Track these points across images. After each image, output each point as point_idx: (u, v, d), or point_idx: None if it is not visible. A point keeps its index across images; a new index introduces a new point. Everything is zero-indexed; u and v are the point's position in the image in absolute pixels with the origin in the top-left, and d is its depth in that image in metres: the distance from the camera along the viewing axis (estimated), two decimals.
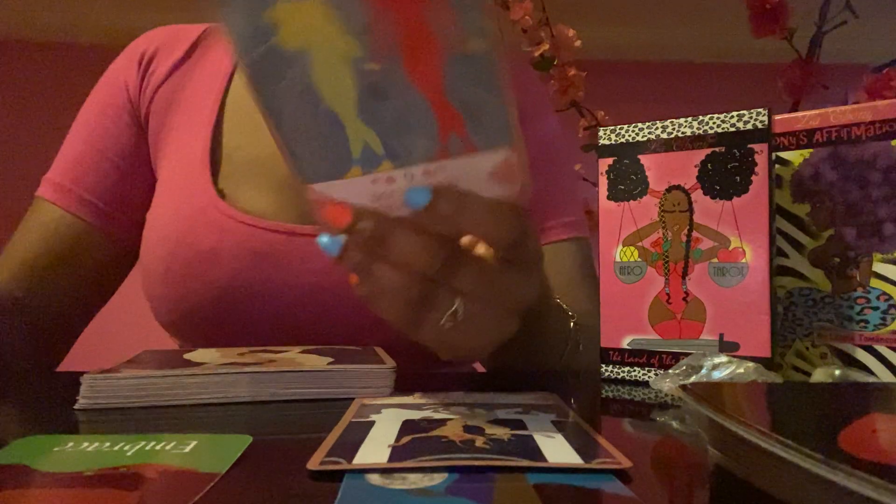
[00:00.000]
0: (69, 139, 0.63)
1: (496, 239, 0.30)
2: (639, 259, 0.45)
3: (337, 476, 0.23)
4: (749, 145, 0.42)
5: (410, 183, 0.30)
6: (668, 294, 0.44)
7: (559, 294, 0.55)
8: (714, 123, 0.43)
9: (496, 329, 0.33)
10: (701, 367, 0.39)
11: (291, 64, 0.28)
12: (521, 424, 0.30)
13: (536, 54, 1.05)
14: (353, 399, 0.36)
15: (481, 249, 0.32)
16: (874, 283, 0.41)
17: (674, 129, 0.45)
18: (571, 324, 0.52)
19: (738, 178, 0.42)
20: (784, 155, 0.45)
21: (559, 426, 0.30)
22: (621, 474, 0.23)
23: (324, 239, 0.31)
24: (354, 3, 0.27)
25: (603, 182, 0.47)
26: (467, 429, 0.29)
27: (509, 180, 0.30)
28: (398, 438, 0.27)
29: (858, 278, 0.42)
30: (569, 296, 0.57)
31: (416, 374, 0.44)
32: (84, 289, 0.60)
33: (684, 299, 0.44)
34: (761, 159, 0.42)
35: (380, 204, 0.31)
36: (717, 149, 0.43)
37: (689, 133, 0.44)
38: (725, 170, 0.43)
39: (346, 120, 0.29)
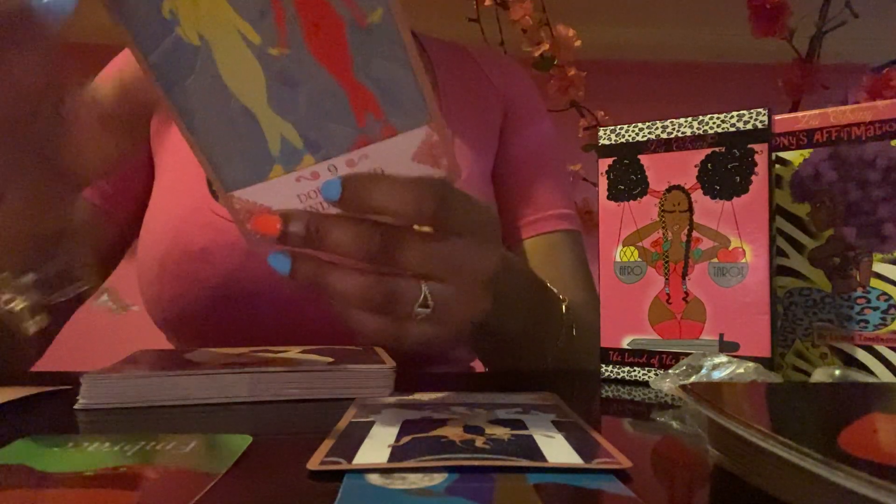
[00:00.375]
0: None
1: (417, 213, 0.29)
2: (639, 259, 0.45)
3: (337, 476, 0.23)
4: (749, 145, 0.42)
5: (335, 175, 0.29)
6: (668, 294, 0.44)
7: (551, 279, 0.56)
8: (714, 123, 0.43)
9: (471, 305, 0.32)
10: (701, 367, 0.39)
11: (196, 58, 0.27)
12: (521, 424, 0.30)
13: (536, 54, 1.05)
14: (353, 399, 0.36)
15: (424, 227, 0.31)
16: (874, 283, 0.41)
17: (674, 129, 0.45)
18: (563, 308, 0.52)
19: (738, 178, 0.42)
20: (784, 155, 0.45)
21: (559, 426, 0.30)
22: (621, 474, 0.23)
23: (274, 259, 0.30)
24: None
25: (603, 182, 0.47)
26: (467, 429, 0.29)
27: (433, 160, 0.29)
28: (398, 438, 0.27)
29: (858, 278, 0.42)
30: (560, 285, 0.57)
31: (416, 374, 0.44)
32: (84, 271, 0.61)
33: (684, 299, 0.44)
34: (761, 159, 0.42)
35: (307, 203, 0.30)
36: (717, 149, 0.43)
37: (689, 133, 0.44)
38: (725, 170, 0.43)
39: (260, 113, 0.28)
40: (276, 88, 0.27)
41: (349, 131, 0.28)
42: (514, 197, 0.68)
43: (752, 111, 0.42)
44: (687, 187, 0.44)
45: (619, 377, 0.46)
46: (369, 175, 0.29)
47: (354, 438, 0.27)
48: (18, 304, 0.35)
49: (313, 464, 0.24)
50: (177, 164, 0.59)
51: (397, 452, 0.25)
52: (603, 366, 0.46)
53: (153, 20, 0.26)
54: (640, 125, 0.46)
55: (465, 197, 0.31)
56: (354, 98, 0.28)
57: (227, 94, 0.27)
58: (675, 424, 0.33)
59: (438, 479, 0.23)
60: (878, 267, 0.41)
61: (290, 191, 0.30)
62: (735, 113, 0.43)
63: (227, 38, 0.27)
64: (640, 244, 0.45)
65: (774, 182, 0.43)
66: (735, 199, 0.42)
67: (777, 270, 0.45)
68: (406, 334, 0.32)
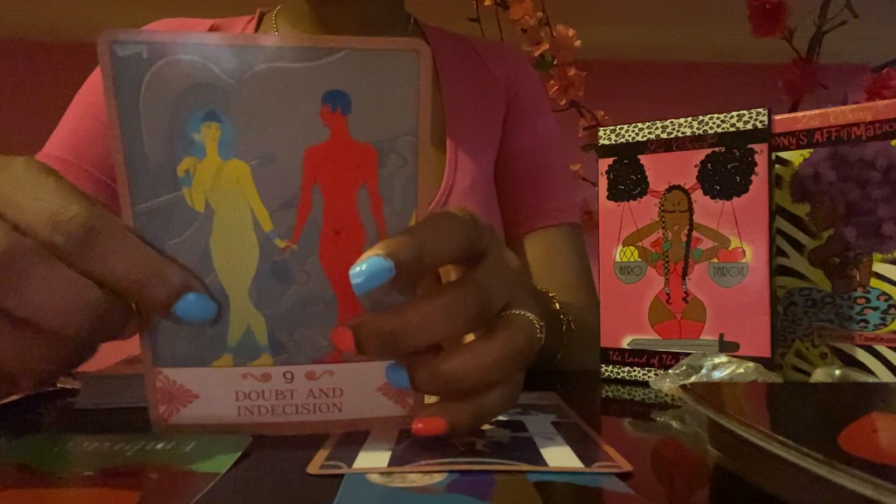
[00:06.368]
0: (68, 115, 0.62)
1: (452, 253, 0.26)
2: (639, 259, 0.45)
3: (337, 474, 0.23)
4: (749, 145, 0.42)
5: (288, 384, 0.27)
6: (668, 294, 0.44)
7: (551, 277, 0.55)
8: (714, 123, 0.43)
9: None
10: (701, 367, 0.39)
11: (192, 224, 0.25)
12: (521, 426, 0.30)
13: (536, 54, 1.05)
14: None
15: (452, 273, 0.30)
16: (874, 283, 0.41)
17: (674, 129, 0.45)
18: (556, 305, 0.52)
19: (738, 178, 0.42)
20: (784, 155, 0.45)
21: (559, 427, 0.30)
22: (622, 474, 0.23)
23: (392, 376, 0.26)
24: (284, 175, 0.25)
25: (603, 182, 0.47)
26: None
27: (400, 396, 0.28)
28: (398, 441, 0.27)
29: (858, 278, 0.42)
30: (561, 286, 0.57)
31: None
32: None
33: (684, 299, 0.44)
34: (761, 159, 0.42)
35: (243, 404, 0.27)
36: (717, 149, 0.43)
37: (689, 133, 0.44)
38: (725, 170, 0.43)
39: (235, 299, 0.26)
40: (264, 280, 0.26)
41: (324, 344, 0.27)
42: (516, 190, 0.68)
43: (752, 111, 0.42)
44: (687, 187, 0.44)
45: (619, 377, 0.46)
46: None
47: (354, 441, 0.27)
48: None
49: (313, 468, 0.24)
50: None
51: (397, 456, 0.25)
52: (603, 366, 0.46)
53: (162, 173, 0.24)
54: (640, 125, 0.46)
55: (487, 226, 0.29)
56: (345, 313, 0.26)
57: (209, 268, 0.25)
58: (675, 424, 0.33)
59: (438, 477, 0.23)
60: (878, 267, 0.41)
61: (229, 385, 0.27)
62: (735, 113, 0.43)
63: (235, 214, 0.25)
64: (640, 244, 0.45)
65: (774, 182, 0.43)
66: (735, 199, 0.42)
67: (777, 270, 0.45)
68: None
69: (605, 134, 0.47)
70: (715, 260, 0.43)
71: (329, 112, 0.25)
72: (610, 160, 0.47)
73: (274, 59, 0.25)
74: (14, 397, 0.36)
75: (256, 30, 0.67)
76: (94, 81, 0.64)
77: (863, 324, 0.42)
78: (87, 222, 0.23)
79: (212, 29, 0.65)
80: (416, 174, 0.26)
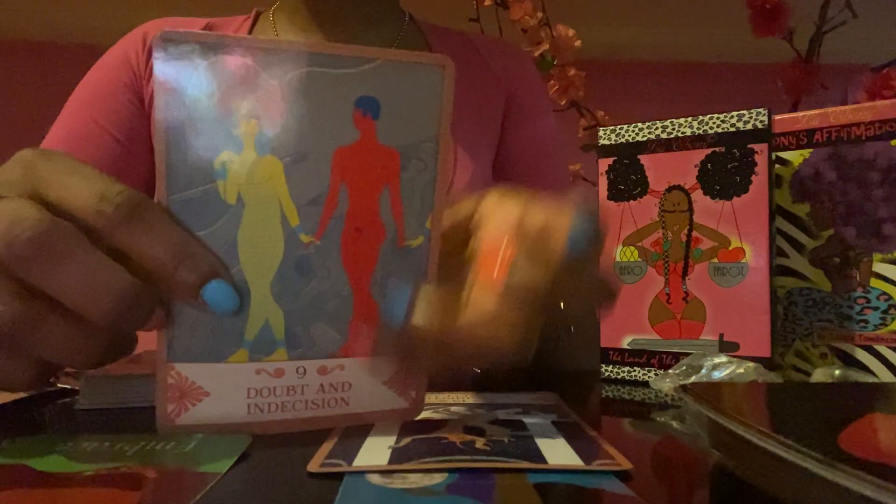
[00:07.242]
0: (62, 116, 0.62)
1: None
2: (639, 259, 0.45)
3: (337, 475, 0.23)
4: (749, 145, 0.42)
5: (300, 379, 0.28)
6: (668, 294, 0.44)
7: None
8: (714, 123, 0.43)
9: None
10: (701, 367, 0.39)
11: (222, 216, 0.26)
12: (521, 425, 0.30)
13: (536, 54, 1.05)
14: None
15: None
16: (874, 283, 0.41)
17: (674, 129, 0.45)
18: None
19: (738, 178, 0.42)
20: (784, 155, 0.45)
21: (559, 427, 0.30)
22: (621, 474, 0.23)
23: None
24: (314, 173, 0.26)
25: (603, 182, 0.47)
26: (467, 430, 0.29)
27: (403, 390, 0.29)
28: (398, 440, 0.27)
29: (858, 278, 0.42)
30: None
31: None
32: None
33: (684, 299, 0.44)
34: (761, 159, 0.42)
35: (254, 401, 0.27)
36: (717, 149, 0.43)
37: (689, 133, 0.44)
38: (725, 170, 0.43)
39: (256, 293, 0.26)
40: (287, 273, 0.27)
41: (337, 338, 0.28)
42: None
43: (752, 111, 0.42)
44: (687, 187, 0.44)
45: (619, 377, 0.46)
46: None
47: (355, 439, 0.27)
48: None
49: (314, 466, 0.24)
50: None
51: (397, 454, 0.25)
52: (603, 366, 0.46)
53: (199, 165, 0.25)
54: (640, 125, 0.46)
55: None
56: (359, 306, 0.28)
57: (234, 260, 0.26)
58: (675, 424, 0.33)
59: (439, 478, 0.23)
60: (878, 267, 0.41)
61: (242, 381, 0.27)
62: (735, 113, 0.43)
63: (265, 209, 0.26)
64: (640, 244, 0.45)
65: (774, 182, 0.43)
66: (735, 199, 0.42)
67: (777, 270, 0.45)
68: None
69: (605, 134, 0.47)
70: (715, 260, 0.43)
71: (360, 115, 0.27)
72: (610, 160, 0.47)
73: (314, 63, 0.26)
74: (14, 397, 0.36)
75: (251, 30, 0.67)
76: (88, 81, 0.64)
77: (863, 324, 0.42)
78: (134, 198, 0.24)
79: (205, 28, 0.65)
80: (434, 179, 0.28)
